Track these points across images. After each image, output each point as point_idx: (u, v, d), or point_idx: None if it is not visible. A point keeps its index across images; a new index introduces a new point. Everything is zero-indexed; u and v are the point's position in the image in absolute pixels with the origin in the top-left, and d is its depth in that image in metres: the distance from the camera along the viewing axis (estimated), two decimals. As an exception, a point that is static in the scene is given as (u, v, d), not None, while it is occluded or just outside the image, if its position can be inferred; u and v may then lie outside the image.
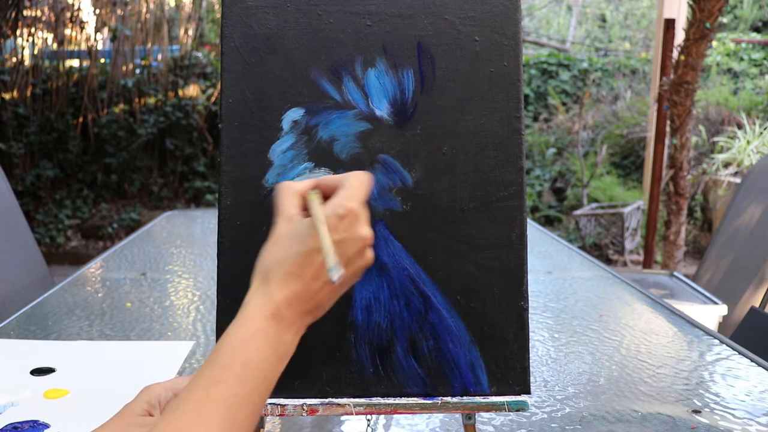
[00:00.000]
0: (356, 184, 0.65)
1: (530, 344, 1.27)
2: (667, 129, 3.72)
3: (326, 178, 0.68)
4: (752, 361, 1.22)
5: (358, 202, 0.63)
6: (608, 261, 5.25)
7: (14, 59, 6.02)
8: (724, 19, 8.46)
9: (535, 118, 7.20)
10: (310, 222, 0.62)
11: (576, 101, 7.17)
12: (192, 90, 6.34)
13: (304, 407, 0.76)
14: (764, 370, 1.18)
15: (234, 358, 0.58)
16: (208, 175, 6.26)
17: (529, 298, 0.76)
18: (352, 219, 0.62)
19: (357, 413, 0.76)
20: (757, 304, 1.88)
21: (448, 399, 0.77)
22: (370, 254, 0.65)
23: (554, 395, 1.07)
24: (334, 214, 0.62)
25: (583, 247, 5.27)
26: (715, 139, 5.81)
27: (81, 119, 6.06)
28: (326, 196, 0.66)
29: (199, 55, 6.56)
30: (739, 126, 5.77)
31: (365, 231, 0.63)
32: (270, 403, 0.76)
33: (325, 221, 0.61)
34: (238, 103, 0.78)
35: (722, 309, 2.03)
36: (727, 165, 5.45)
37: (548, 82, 7.42)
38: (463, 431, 0.79)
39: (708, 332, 1.38)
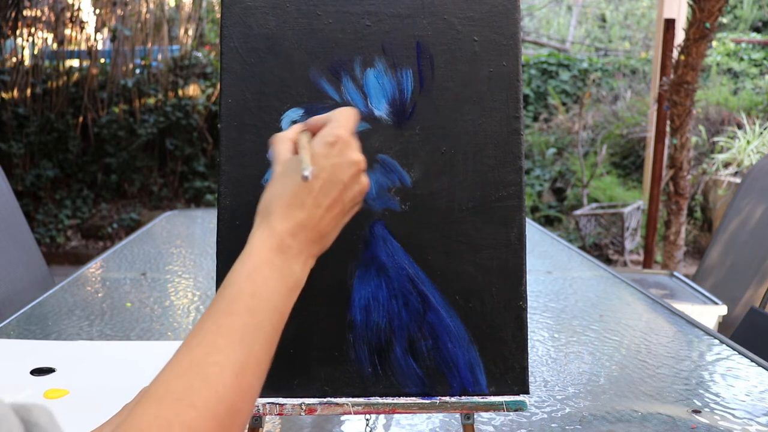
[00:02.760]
0: (343, 116, 0.67)
1: (530, 344, 1.27)
2: (667, 129, 3.72)
3: (314, 118, 0.69)
4: (752, 361, 1.22)
5: (346, 130, 0.65)
6: (608, 261, 5.25)
7: (14, 59, 6.02)
8: (724, 19, 8.45)
9: (535, 118, 7.20)
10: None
11: (576, 101, 7.17)
12: (192, 90, 6.34)
13: (303, 407, 0.76)
14: (764, 370, 1.18)
15: (241, 291, 0.59)
16: (208, 175, 6.26)
17: (529, 298, 0.76)
18: (342, 145, 0.64)
19: (355, 413, 0.77)
20: (757, 304, 1.88)
21: (447, 399, 0.77)
22: (365, 179, 0.67)
23: (554, 395, 1.07)
24: (324, 142, 0.64)
25: (583, 247, 5.27)
26: (715, 139, 5.81)
27: (81, 119, 6.06)
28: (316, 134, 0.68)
29: (199, 55, 6.56)
30: (739, 126, 5.77)
31: (357, 155, 0.65)
32: (268, 403, 0.76)
33: (308, 148, 0.64)
34: (237, 103, 0.78)
35: (722, 309, 2.03)
36: (727, 165, 5.45)
37: (548, 82, 7.41)
38: (463, 431, 0.79)
39: (708, 332, 1.38)
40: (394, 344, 0.77)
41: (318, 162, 0.63)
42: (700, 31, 3.43)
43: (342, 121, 0.66)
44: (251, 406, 0.56)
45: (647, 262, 3.86)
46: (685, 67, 3.50)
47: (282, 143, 0.68)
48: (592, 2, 10.38)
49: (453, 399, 0.77)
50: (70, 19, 6.13)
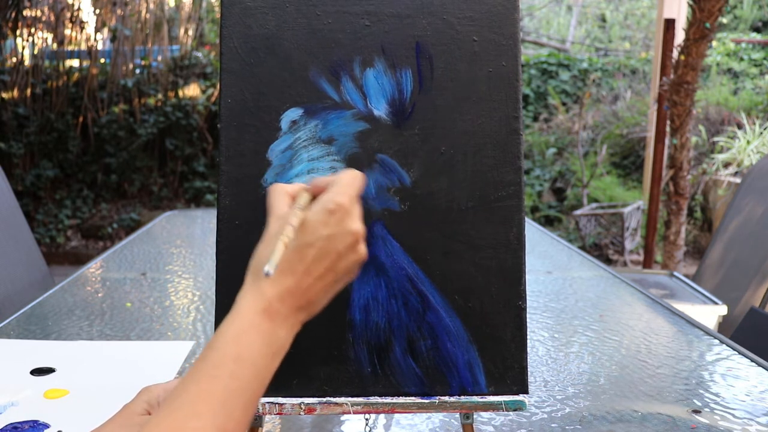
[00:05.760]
0: (347, 181, 0.65)
1: (530, 344, 1.27)
2: (667, 129, 3.72)
3: (318, 179, 0.67)
4: (752, 361, 1.22)
5: (348, 198, 0.63)
6: (608, 261, 5.25)
7: (14, 59, 6.02)
8: (724, 19, 8.45)
9: (535, 118, 7.20)
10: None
11: (576, 101, 7.17)
12: (192, 90, 6.34)
13: (302, 406, 0.76)
14: (764, 370, 1.18)
15: (226, 354, 0.58)
16: (208, 175, 6.26)
17: (529, 298, 0.76)
18: (342, 214, 0.63)
19: (355, 412, 0.77)
20: (757, 304, 1.88)
21: (446, 398, 0.77)
22: (362, 249, 0.65)
23: (554, 395, 1.07)
24: (324, 209, 0.62)
25: (583, 247, 5.27)
26: (715, 139, 5.80)
27: (81, 119, 6.06)
28: (318, 196, 0.66)
29: (199, 55, 6.56)
30: (739, 126, 5.77)
31: (356, 226, 0.63)
32: (268, 402, 0.76)
33: (294, 223, 0.62)
34: (237, 103, 0.78)
35: (722, 309, 2.03)
36: (727, 165, 5.45)
37: (548, 82, 7.41)
38: (462, 431, 0.79)
39: (708, 332, 1.38)
40: (393, 344, 0.77)
41: (315, 230, 0.62)
42: (700, 31, 3.43)
43: (345, 187, 0.64)
44: None
45: (647, 262, 3.86)
46: (685, 67, 3.50)
47: (280, 196, 0.66)
48: (592, 2, 10.38)
49: (452, 399, 0.77)
50: (70, 19, 6.13)
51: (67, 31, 6.18)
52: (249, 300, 0.61)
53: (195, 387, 0.57)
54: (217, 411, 0.56)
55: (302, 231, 0.62)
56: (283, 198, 0.66)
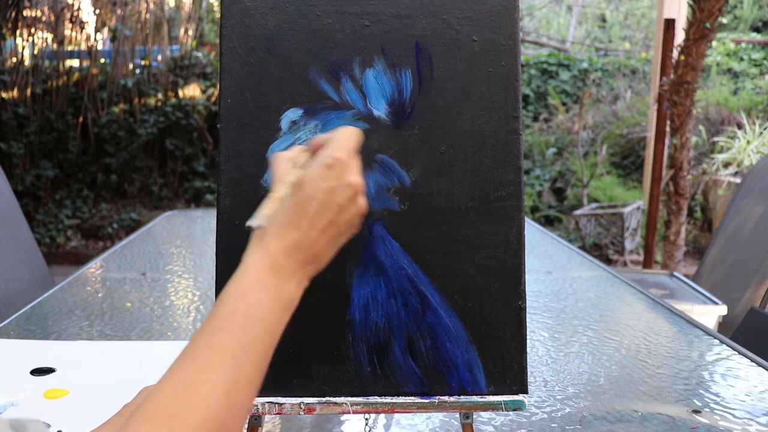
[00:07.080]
0: (344, 137, 0.67)
1: (530, 344, 1.27)
2: (667, 129, 3.72)
3: (316, 138, 0.69)
4: (752, 361, 1.22)
5: (345, 152, 0.65)
6: (608, 261, 5.25)
7: (14, 59, 6.03)
8: (724, 19, 8.45)
9: (535, 118, 7.20)
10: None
11: (576, 101, 7.17)
12: (192, 90, 6.34)
13: (302, 406, 0.76)
14: (764, 370, 1.19)
15: (234, 310, 0.59)
16: (208, 175, 6.26)
17: (529, 298, 0.77)
18: (340, 168, 0.64)
19: (354, 412, 0.77)
20: (757, 304, 1.88)
21: (446, 398, 0.77)
22: (362, 201, 0.67)
23: (554, 395, 1.07)
24: (322, 164, 0.64)
25: (583, 247, 5.27)
26: (715, 139, 5.81)
27: (81, 119, 6.06)
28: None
29: (199, 55, 6.56)
30: (739, 126, 5.77)
31: (354, 178, 0.65)
32: (268, 402, 0.76)
33: (288, 179, 0.64)
34: (236, 103, 0.78)
35: (722, 309, 2.03)
36: (727, 165, 5.45)
37: (548, 82, 7.41)
38: (462, 431, 0.79)
39: (708, 332, 1.38)
40: (393, 344, 0.77)
41: (315, 184, 0.63)
42: (700, 31, 3.43)
43: (342, 142, 0.66)
44: (241, 423, 0.56)
45: (647, 262, 3.86)
46: (685, 67, 3.51)
47: (282, 163, 0.67)
48: (592, 2, 10.38)
49: (452, 399, 0.77)
50: (70, 19, 6.14)
51: (67, 31, 6.18)
52: (255, 258, 0.62)
53: (205, 342, 0.57)
54: (229, 364, 0.56)
55: (302, 186, 0.64)
56: (284, 163, 0.67)
